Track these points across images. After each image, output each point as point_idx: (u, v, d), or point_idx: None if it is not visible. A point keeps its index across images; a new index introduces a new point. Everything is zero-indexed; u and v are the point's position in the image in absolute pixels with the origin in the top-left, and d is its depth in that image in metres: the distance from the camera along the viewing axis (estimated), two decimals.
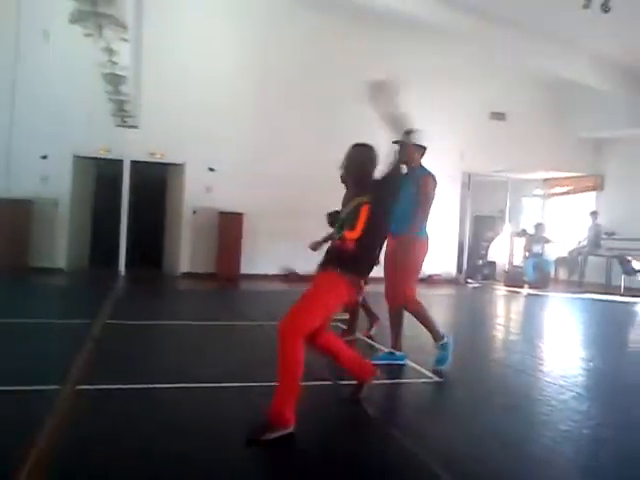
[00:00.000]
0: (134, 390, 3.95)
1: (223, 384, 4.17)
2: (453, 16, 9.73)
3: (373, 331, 6.22)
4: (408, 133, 4.95)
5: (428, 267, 10.27)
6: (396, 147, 4.37)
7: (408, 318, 5.03)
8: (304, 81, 11.36)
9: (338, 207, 4.08)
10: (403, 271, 4.86)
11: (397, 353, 5.06)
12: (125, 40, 6.10)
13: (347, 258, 3.50)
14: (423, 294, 6.12)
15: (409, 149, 4.94)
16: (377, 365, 4.42)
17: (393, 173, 3.77)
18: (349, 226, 3.58)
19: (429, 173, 5.03)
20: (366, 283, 3.62)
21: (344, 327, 6.11)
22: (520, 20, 9.98)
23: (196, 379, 4.21)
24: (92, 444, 3.01)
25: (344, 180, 4.73)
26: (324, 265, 3.61)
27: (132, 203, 10.84)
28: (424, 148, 5.11)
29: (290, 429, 3.20)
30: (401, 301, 4.88)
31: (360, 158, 3.82)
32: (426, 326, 4.91)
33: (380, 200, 3.61)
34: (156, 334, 6.04)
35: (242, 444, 3.08)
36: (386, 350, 5.18)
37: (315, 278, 3.60)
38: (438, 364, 4.86)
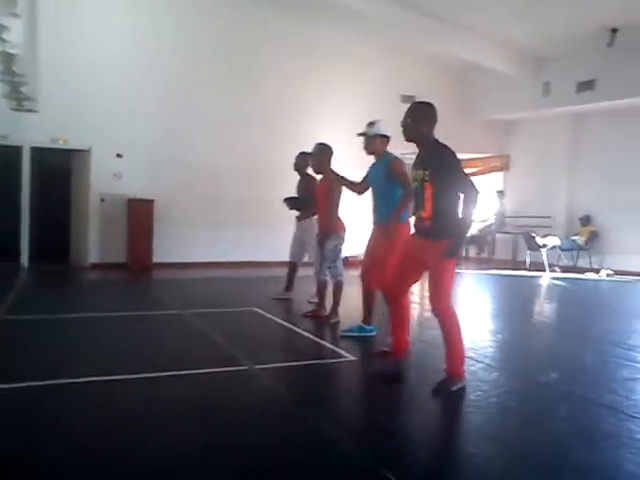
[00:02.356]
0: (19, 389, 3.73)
1: (138, 375, 4.02)
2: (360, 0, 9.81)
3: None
4: (371, 125, 5.05)
5: (348, 249, 10.45)
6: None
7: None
8: (216, 62, 11.09)
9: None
10: (384, 257, 4.89)
11: (367, 327, 5.43)
12: (16, 15, 5.68)
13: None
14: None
15: (374, 141, 5.04)
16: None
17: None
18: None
19: (395, 157, 5.08)
20: None
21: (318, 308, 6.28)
22: (426, 5, 10.19)
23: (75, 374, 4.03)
24: None
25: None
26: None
27: (34, 193, 10.23)
28: (388, 137, 5.15)
29: (464, 383, 3.89)
30: (380, 287, 4.86)
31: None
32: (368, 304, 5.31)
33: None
34: (56, 329, 5.72)
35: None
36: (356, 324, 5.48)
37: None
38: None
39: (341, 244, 6.02)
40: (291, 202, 7.14)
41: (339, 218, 6.04)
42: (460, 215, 3.85)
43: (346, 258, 10.34)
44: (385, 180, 4.97)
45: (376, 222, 5.15)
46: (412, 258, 4.08)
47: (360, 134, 5.19)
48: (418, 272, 4.12)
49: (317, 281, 6.31)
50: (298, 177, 7.16)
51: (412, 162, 4.13)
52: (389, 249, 4.79)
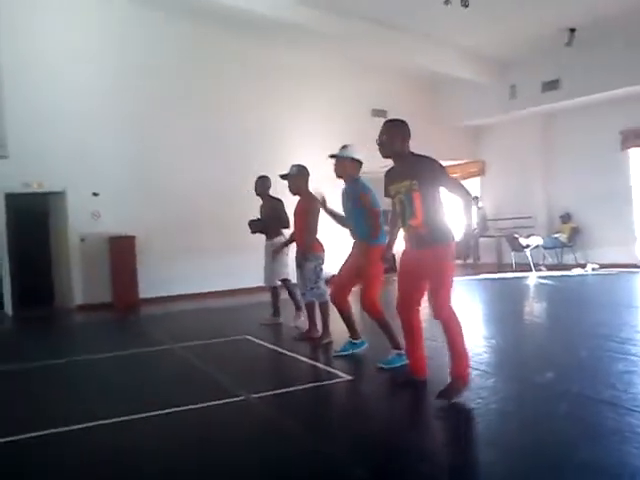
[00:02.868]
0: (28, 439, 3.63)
1: (134, 416, 3.94)
2: (322, 17, 9.96)
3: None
4: (343, 148, 5.08)
5: (331, 268, 10.47)
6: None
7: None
8: (184, 89, 11.11)
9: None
10: (366, 279, 4.98)
11: (357, 341, 5.41)
12: None
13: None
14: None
15: (343, 163, 5.05)
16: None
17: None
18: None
19: (363, 188, 5.07)
20: None
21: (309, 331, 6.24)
22: (389, 19, 10.34)
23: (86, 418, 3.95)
24: None
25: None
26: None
27: (12, 239, 10.11)
28: (360, 162, 5.16)
29: (467, 388, 3.91)
30: (369, 309, 4.98)
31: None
32: (384, 330, 4.99)
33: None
34: (45, 376, 5.61)
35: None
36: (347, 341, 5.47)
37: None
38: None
39: (321, 264, 6.00)
40: (254, 225, 7.18)
41: (317, 239, 6.03)
42: (462, 219, 3.98)
43: (332, 277, 10.44)
44: (353, 205, 5.05)
45: (355, 239, 5.20)
46: (411, 273, 4.08)
47: (331, 156, 5.20)
48: (421, 286, 4.10)
49: (304, 303, 6.29)
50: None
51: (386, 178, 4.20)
52: (370, 271, 4.87)
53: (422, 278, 4.05)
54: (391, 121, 4.21)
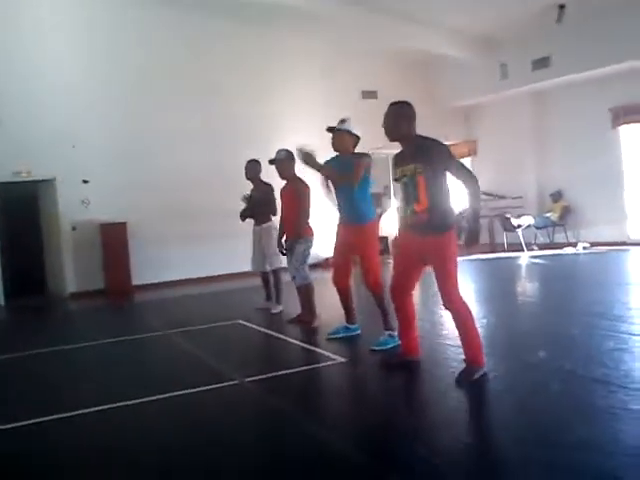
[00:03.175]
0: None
1: (129, 402, 3.94)
2: (311, 0, 9.83)
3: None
4: (341, 122, 5.00)
5: (324, 250, 10.47)
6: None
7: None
8: (176, 77, 11.02)
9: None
10: (367, 258, 4.96)
11: (352, 326, 5.43)
12: None
13: None
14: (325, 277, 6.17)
15: (342, 136, 4.98)
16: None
17: None
18: None
19: (360, 155, 5.00)
20: None
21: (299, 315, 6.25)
22: (376, 1, 10.25)
23: (74, 406, 3.95)
24: None
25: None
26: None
27: (2, 228, 10.05)
28: (357, 137, 5.10)
29: (485, 369, 3.88)
30: (374, 288, 4.98)
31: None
32: (382, 309, 4.98)
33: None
34: (43, 363, 5.61)
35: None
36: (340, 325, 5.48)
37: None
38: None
39: (309, 248, 6.01)
40: (244, 211, 7.16)
41: (307, 223, 6.01)
42: (468, 203, 3.92)
43: (326, 260, 10.47)
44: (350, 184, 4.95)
45: (343, 222, 5.14)
46: (411, 257, 4.06)
47: (329, 129, 5.13)
48: (419, 270, 4.11)
49: (296, 287, 6.28)
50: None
51: (393, 160, 4.18)
52: (368, 250, 4.85)
53: (421, 264, 4.04)
54: (396, 104, 4.13)
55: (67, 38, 10.23)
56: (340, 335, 5.38)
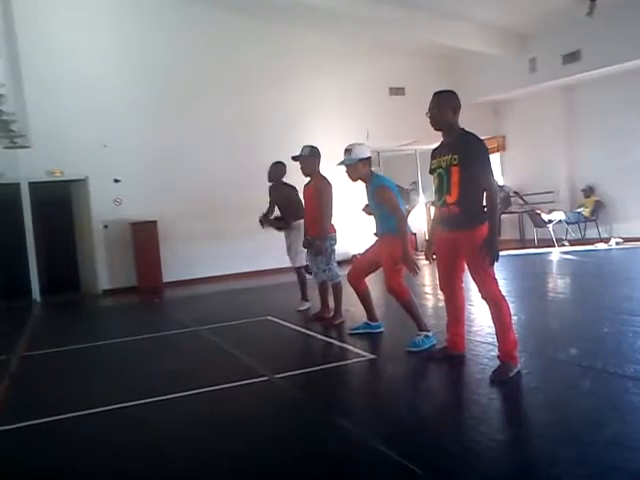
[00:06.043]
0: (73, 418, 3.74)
1: (164, 397, 4.02)
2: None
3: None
4: (348, 152, 4.91)
5: (353, 248, 10.47)
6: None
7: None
8: (204, 77, 11.17)
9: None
10: (393, 267, 4.84)
11: (372, 323, 5.43)
12: None
13: None
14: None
15: (356, 167, 4.91)
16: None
17: None
18: None
19: (381, 183, 4.92)
20: None
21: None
22: None
23: (104, 402, 4.04)
24: None
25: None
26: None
27: (37, 227, 10.29)
28: (369, 158, 5.02)
29: (519, 367, 3.86)
30: (395, 294, 4.88)
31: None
32: (410, 313, 4.90)
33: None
34: (77, 359, 5.75)
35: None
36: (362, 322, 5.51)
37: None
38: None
39: (333, 245, 5.95)
40: (273, 222, 7.02)
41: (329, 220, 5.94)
42: (487, 220, 3.82)
43: (353, 257, 10.48)
44: (376, 204, 4.94)
45: (378, 234, 5.10)
46: (447, 254, 4.10)
47: (340, 164, 5.02)
48: (460, 263, 4.12)
49: (317, 284, 6.28)
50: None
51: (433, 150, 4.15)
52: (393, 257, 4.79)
53: (459, 257, 4.06)
54: (441, 92, 4.09)
55: (100, 40, 10.42)
56: (360, 331, 5.40)
